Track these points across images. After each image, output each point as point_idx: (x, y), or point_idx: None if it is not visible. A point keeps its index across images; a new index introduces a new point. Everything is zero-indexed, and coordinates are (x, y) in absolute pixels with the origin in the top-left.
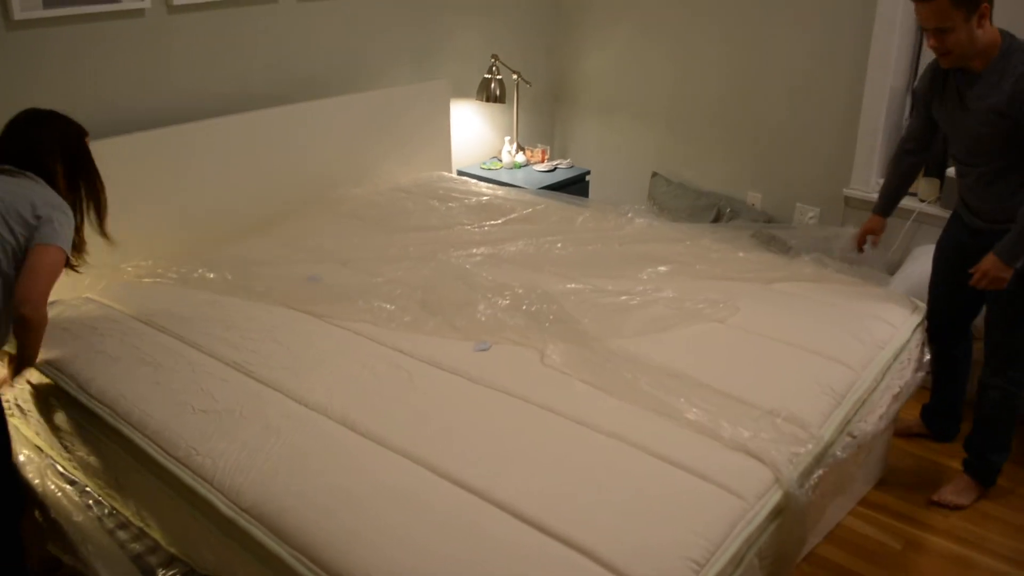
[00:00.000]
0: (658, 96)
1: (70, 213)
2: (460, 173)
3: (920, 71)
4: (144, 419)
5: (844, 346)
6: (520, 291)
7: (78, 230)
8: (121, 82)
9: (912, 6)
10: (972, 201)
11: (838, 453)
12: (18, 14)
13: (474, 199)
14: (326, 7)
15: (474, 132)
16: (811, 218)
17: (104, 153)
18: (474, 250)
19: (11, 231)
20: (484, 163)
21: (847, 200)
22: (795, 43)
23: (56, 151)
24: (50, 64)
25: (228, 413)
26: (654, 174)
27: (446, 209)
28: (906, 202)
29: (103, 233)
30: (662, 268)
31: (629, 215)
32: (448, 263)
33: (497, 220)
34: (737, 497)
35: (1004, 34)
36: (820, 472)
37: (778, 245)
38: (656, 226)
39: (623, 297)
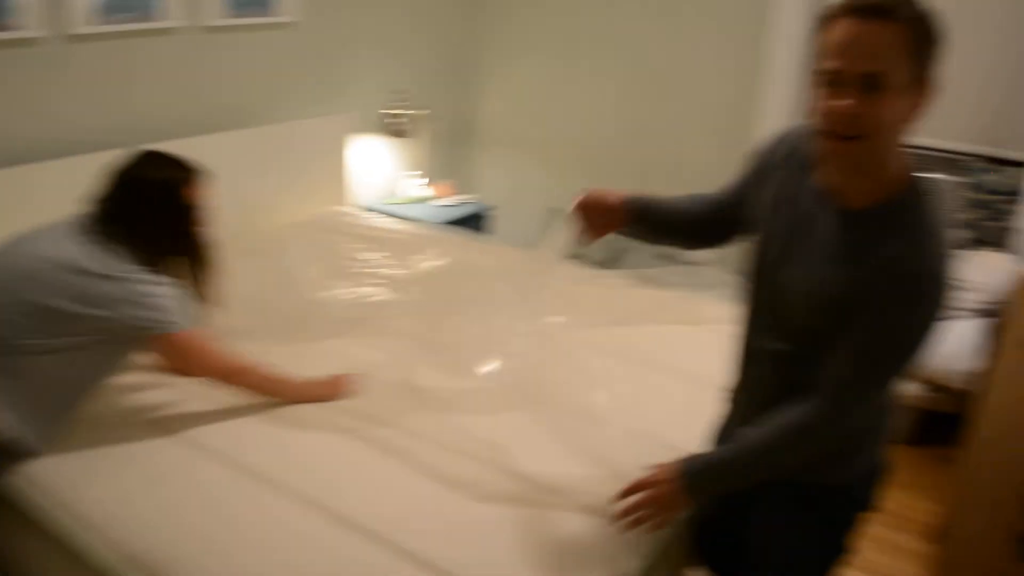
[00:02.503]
0: (560, 132)
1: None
2: (368, 209)
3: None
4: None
5: None
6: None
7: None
8: (12, 112)
9: (804, 50)
10: (750, 408)
11: None
12: None
13: (371, 233)
14: (227, 40)
15: (378, 167)
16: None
17: None
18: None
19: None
20: (387, 199)
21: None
22: (695, 75)
23: None
24: None
25: (109, 457)
26: (553, 210)
27: (337, 244)
28: None
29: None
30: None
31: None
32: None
33: (389, 254)
34: None
35: (917, 178)
36: None
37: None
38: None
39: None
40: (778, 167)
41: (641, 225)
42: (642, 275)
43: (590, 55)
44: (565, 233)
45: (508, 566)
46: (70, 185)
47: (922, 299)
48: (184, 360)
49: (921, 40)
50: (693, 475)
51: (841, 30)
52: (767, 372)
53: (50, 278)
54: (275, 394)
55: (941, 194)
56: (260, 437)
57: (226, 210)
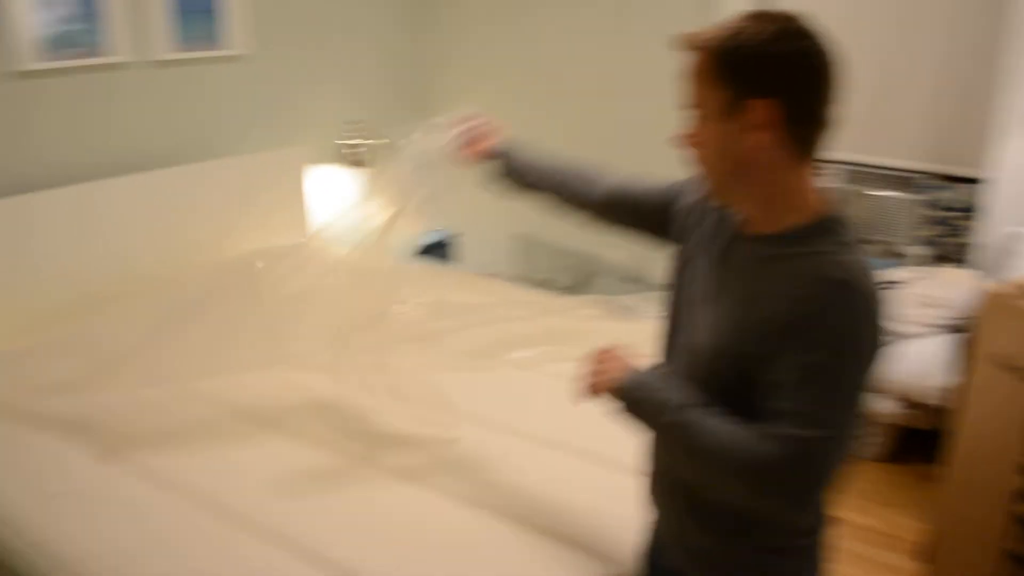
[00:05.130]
0: None
1: None
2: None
3: None
4: None
5: None
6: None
7: None
8: None
9: None
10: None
11: None
12: None
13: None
14: (177, 74)
15: (338, 198)
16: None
17: None
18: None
19: None
20: (346, 228)
21: None
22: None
23: None
24: None
25: (77, 496)
26: (520, 235)
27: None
28: None
29: None
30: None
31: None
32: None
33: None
34: None
35: (833, 215)
36: None
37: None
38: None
39: None
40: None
41: (518, 169)
42: (615, 303)
43: (543, 78)
44: (434, 139)
45: None
46: (15, 221)
47: (854, 308)
48: None
49: (729, 65)
50: (634, 386)
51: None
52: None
53: None
54: None
55: (894, 212)
56: (232, 474)
57: (182, 244)
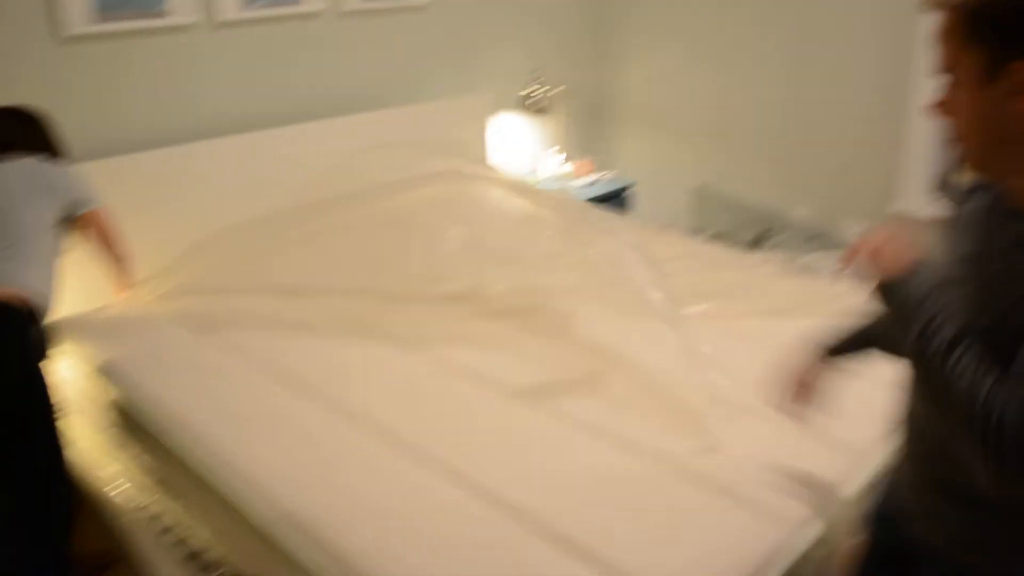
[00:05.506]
0: (704, 107)
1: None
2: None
3: None
4: (189, 421)
5: None
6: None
7: None
8: (164, 96)
9: None
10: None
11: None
12: (70, 30)
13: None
14: (366, 23)
15: (518, 144)
16: (856, 235)
17: (144, 165)
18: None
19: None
20: (528, 177)
21: (895, 217)
22: (843, 52)
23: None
24: (98, 77)
25: (268, 419)
26: (700, 187)
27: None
28: None
29: None
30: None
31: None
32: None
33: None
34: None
35: None
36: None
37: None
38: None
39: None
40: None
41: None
42: (795, 261)
43: (734, 25)
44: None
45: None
46: (219, 163)
47: None
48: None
49: (986, 24)
50: (914, 287)
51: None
52: (918, 437)
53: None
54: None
55: None
56: (413, 410)
57: (369, 187)
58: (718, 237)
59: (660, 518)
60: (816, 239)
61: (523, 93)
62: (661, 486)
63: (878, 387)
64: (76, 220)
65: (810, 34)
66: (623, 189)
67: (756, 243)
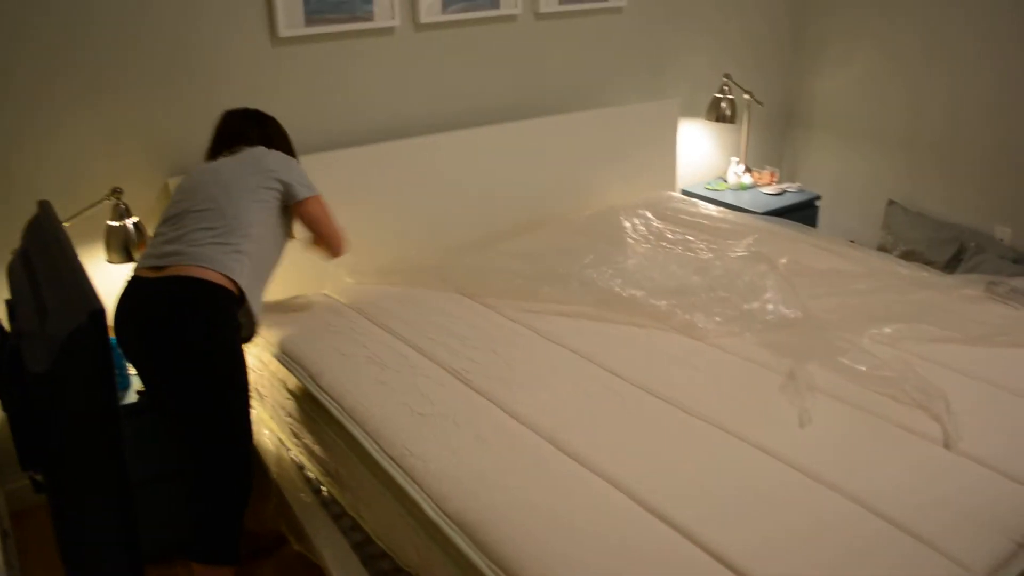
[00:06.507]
0: (898, 120)
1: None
2: (685, 193)
3: None
4: (366, 415)
5: None
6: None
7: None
8: (369, 95)
9: None
10: None
11: None
12: (282, 32)
13: (700, 221)
14: (561, 25)
15: (700, 152)
16: None
17: (350, 161)
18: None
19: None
20: (708, 183)
21: None
22: None
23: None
24: (308, 77)
25: (442, 418)
26: (890, 202)
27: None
28: None
29: None
30: (887, 329)
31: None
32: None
33: (727, 241)
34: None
35: None
36: None
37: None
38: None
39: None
40: None
41: None
42: (1002, 284)
43: (932, 36)
44: None
45: None
46: (423, 159)
47: None
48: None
49: None
50: None
51: None
52: None
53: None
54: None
55: None
56: (588, 422)
57: (558, 189)
58: (905, 255)
59: (840, 558)
60: (1020, 262)
61: (711, 99)
62: (841, 517)
63: None
64: (293, 207)
65: (1017, 43)
66: (812, 200)
67: (949, 264)
